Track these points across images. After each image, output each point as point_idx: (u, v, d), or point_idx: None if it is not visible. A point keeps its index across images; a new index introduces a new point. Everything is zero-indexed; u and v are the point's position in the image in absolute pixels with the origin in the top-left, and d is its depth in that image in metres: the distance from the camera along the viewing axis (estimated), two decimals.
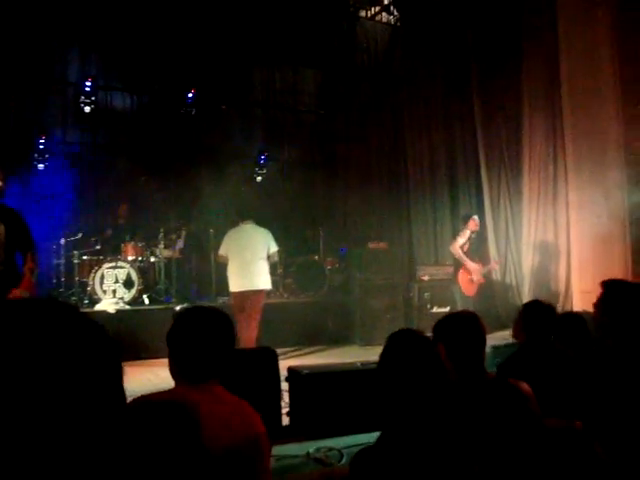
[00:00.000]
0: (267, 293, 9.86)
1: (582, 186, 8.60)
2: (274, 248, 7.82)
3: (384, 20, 11.59)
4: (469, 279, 8.72)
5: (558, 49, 8.89)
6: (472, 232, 8.84)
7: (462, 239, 8.75)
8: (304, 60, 12.22)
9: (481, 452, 2.34)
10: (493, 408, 2.51)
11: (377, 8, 11.51)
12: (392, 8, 11.42)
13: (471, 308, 8.27)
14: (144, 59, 11.14)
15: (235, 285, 7.61)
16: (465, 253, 8.72)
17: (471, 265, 8.69)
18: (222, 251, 7.79)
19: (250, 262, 7.54)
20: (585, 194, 8.52)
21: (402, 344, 2.07)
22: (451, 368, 2.71)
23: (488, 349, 4.54)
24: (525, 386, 2.68)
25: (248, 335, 7.41)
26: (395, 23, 11.46)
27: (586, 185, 8.49)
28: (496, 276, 10.04)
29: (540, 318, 3.54)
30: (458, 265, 8.81)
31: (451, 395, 2.42)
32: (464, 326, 2.76)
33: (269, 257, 7.75)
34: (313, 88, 12.95)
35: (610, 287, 3.40)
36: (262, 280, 7.64)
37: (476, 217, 8.97)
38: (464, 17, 10.20)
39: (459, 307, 8.48)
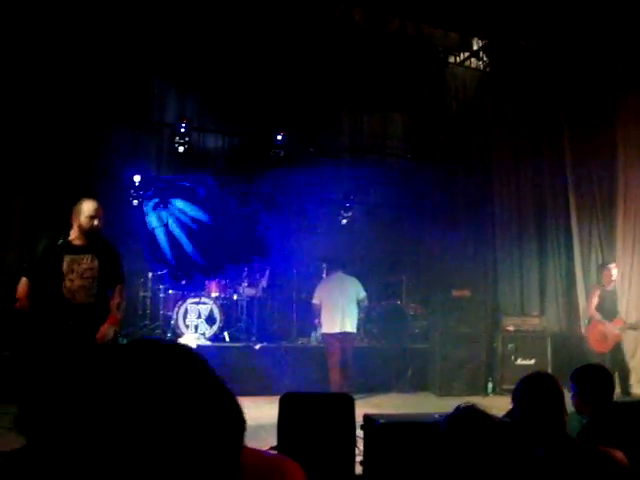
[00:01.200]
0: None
1: None
2: (363, 293, 8.53)
3: (473, 66, 11.52)
4: (602, 336, 8.01)
5: None
6: (606, 285, 8.25)
7: (595, 299, 8.18)
8: (392, 105, 12.29)
9: None
10: (585, 475, 2.36)
11: (466, 54, 11.46)
12: (481, 54, 11.34)
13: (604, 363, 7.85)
14: (237, 101, 11.50)
15: (329, 327, 8.25)
16: (599, 311, 8.11)
17: (609, 325, 8.02)
18: (316, 300, 8.48)
19: (343, 307, 8.26)
20: None
21: (464, 429, 1.99)
22: (531, 432, 2.59)
23: (572, 409, 4.33)
24: (619, 454, 2.52)
25: (334, 379, 8.08)
26: (484, 69, 11.37)
27: None
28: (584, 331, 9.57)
29: (601, 383, 3.38)
30: (589, 319, 8.27)
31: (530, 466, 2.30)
32: (538, 388, 2.66)
33: (359, 302, 8.48)
34: (401, 132, 12.97)
35: None
36: (353, 324, 8.35)
37: (611, 266, 8.34)
38: (555, 64, 10.02)
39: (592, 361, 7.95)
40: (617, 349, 8.05)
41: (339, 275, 8.57)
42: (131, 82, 10.70)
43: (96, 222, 4.76)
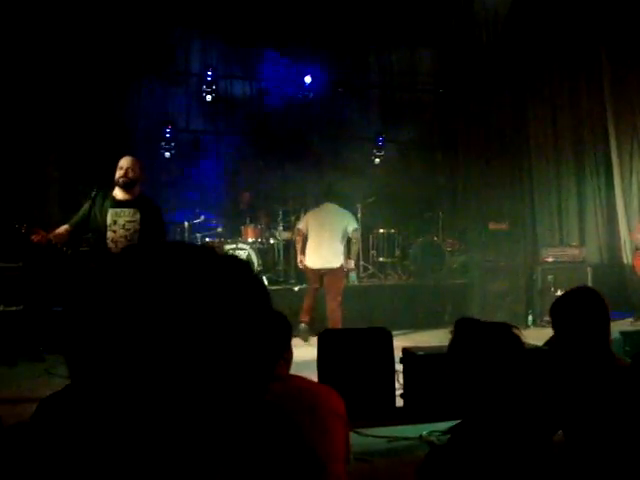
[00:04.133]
0: (385, 274, 9.86)
1: None
2: (353, 226, 7.88)
3: None
4: None
5: None
6: None
7: None
8: (421, 39, 11.99)
9: (612, 438, 2.19)
10: (627, 399, 2.26)
11: None
12: None
13: None
14: (262, 46, 11.37)
15: (311, 261, 7.77)
16: None
17: None
18: (300, 225, 8.04)
19: (327, 241, 7.68)
20: None
21: (469, 332, 1.93)
22: (573, 353, 2.50)
23: (616, 335, 4.29)
24: None
25: (331, 315, 7.59)
26: None
27: None
28: (627, 260, 9.43)
29: None
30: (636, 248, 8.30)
31: (561, 379, 2.28)
32: (581, 303, 2.51)
33: (350, 237, 7.88)
34: (431, 67, 12.69)
35: None
36: (338, 259, 7.73)
37: None
38: None
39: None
40: None
41: (330, 206, 7.92)
42: (154, 33, 10.63)
43: (129, 174, 5.01)
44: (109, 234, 4.91)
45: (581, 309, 2.51)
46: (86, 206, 5.02)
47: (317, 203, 8.50)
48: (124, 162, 5.06)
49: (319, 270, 7.73)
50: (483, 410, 1.77)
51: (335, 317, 7.55)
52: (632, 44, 9.44)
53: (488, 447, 1.69)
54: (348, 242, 8.07)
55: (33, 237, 4.79)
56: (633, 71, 9.57)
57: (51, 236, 4.90)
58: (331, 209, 7.91)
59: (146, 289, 0.70)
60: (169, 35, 11.05)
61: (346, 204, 8.72)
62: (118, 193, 5.04)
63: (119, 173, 5.01)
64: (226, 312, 0.71)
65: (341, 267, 7.82)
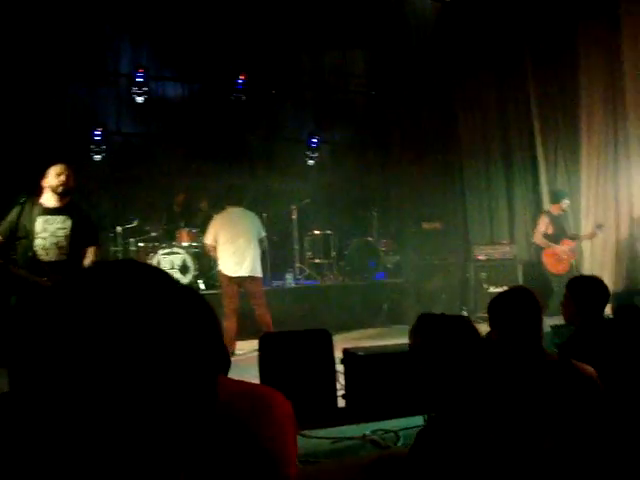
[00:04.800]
0: (322, 276, 9.91)
1: None
2: (263, 233, 7.64)
3: None
4: (556, 258, 8.44)
5: (619, 18, 8.56)
6: (553, 211, 8.68)
7: (542, 227, 8.52)
8: (353, 41, 12.09)
9: (543, 432, 2.27)
10: (555, 390, 2.42)
11: None
12: None
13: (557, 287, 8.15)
14: (193, 47, 11.23)
15: (229, 269, 7.28)
16: (550, 236, 8.47)
17: (559, 248, 8.46)
18: (209, 240, 7.44)
19: (244, 247, 7.27)
20: None
21: (432, 324, 2.00)
22: (508, 348, 2.61)
23: (547, 328, 4.43)
24: (589, 368, 2.56)
25: (263, 319, 7.30)
26: (444, 0, 11.19)
27: None
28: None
29: (593, 295, 3.35)
30: (540, 247, 8.59)
31: (500, 372, 2.35)
32: (516, 302, 2.63)
33: (260, 243, 7.56)
34: (363, 69, 12.82)
35: None
36: (258, 266, 7.41)
37: (565, 201, 8.72)
38: None
39: (551, 286, 8.35)
40: (572, 269, 8.49)
41: (237, 210, 7.47)
42: (82, 33, 10.34)
43: (70, 182, 4.95)
44: (38, 241, 4.84)
45: (516, 308, 2.62)
46: (14, 214, 4.88)
47: (219, 208, 7.93)
48: (62, 169, 4.95)
49: (239, 278, 7.29)
50: (454, 402, 1.81)
51: (268, 320, 7.32)
52: (554, 47, 9.78)
53: (465, 439, 1.72)
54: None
55: None
56: (555, 72, 9.92)
57: None
58: (240, 213, 7.49)
59: (91, 308, 0.70)
60: (98, 35, 10.78)
61: (282, 206, 8.71)
62: (49, 200, 4.93)
63: (58, 180, 4.90)
64: (168, 328, 0.72)
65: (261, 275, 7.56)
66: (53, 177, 4.90)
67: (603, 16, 8.94)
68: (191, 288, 0.81)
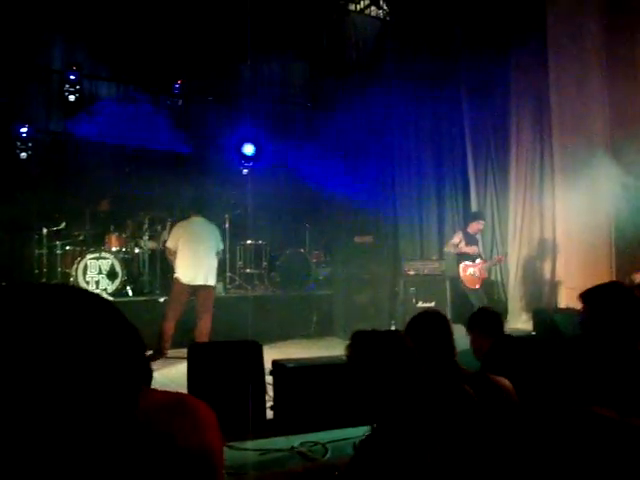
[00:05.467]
0: (252, 285, 9.87)
1: (568, 181, 8.64)
2: (221, 246, 7.96)
3: (373, 14, 11.51)
4: (471, 273, 8.97)
5: (546, 44, 8.91)
6: (470, 231, 9.14)
7: (456, 239, 9.06)
8: (292, 53, 12.15)
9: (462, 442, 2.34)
10: (473, 402, 2.53)
11: (366, 1, 11.43)
12: (381, 2, 11.34)
13: (479, 301, 8.71)
14: (131, 48, 11.04)
15: (185, 276, 7.46)
16: (462, 253, 9.00)
17: (471, 265, 8.96)
18: (171, 244, 7.63)
19: (203, 257, 7.51)
20: (571, 188, 8.55)
21: (365, 340, 2.09)
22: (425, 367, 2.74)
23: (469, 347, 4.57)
24: (505, 381, 2.74)
25: (205, 328, 7.42)
26: (384, 17, 11.39)
27: (572, 180, 8.53)
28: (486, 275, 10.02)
29: (492, 320, 3.83)
30: (458, 261, 9.06)
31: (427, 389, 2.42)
32: (430, 323, 2.88)
33: (217, 254, 7.79)
34: (301, 81, 12.88)
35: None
36: (212, 276, 7.63)
37: (482, 222, 9.34)
38: (453, 12, 10.17)
39: (470, 300, 8.88)
40: (484, 286, 9.14)
41: (201, 219, 7.73)
42: (14, 26, 10.01)
43: None
44: None
45: (428, 330, 2.86)
46: None
47: (183, 216, 8.25)
48: None
49: (194, 286, 7.48)
50: (390, 415, 1.87)
51: (208, 332, 7.42)
52: (487, 70, 10.08)
53: (402, 450, 1.77)
54: None
55: None
56: (487, 95, 10.23)
57: None
58: (202, 223, 7.70)
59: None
60: (31, 30, 10.45)
61: (213, 215, 8.64)
62: None
63: None
64: (84, 343, 0.76)
65: (214, 284, 7.76)
66: None
67: (532, 42, 9.29)
68: (109, 304, 0.85)
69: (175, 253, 7.53)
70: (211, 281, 7.58)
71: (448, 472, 1.87)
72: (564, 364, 3.38)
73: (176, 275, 7.55)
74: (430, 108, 10.86)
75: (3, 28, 9.78)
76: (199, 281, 7.45)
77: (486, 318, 3.85)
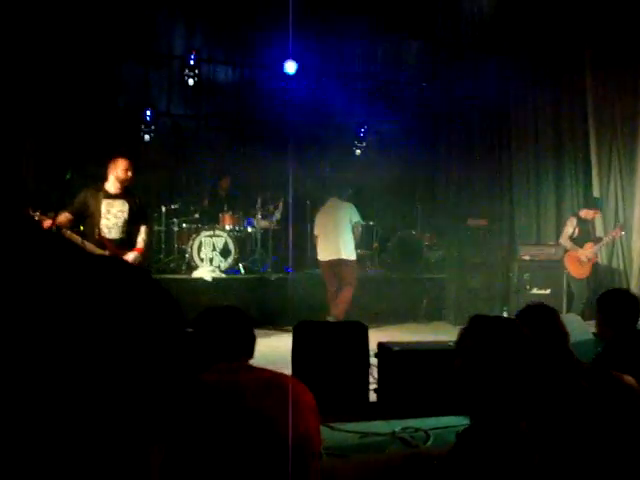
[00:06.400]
0: (361, 266, 9.86)
1: None
2: (356, 218, 8.40)
3: None
4: (578, 261, 8.57)
5: None
6: (584, 218, 8.77)
7: (570, 229, 8.72)
8: (406, 31, 11.93)
9: (578, 441, 2.21)
10: (591, 399, 2.36)
11: None
12: None
13: (585, 290, 8.49)
14: (246, 31, 11.23)
15: (321, 255, 8.34)
16: (575, 239, 8.62)
17: (581, 251, 8.56)
18: (316, 231, 8.56)
19: (334, 235, 8.21)
20: None
21: (485, 326, 1.96)
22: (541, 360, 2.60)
23: (591, 337, 4.31)
24: (630, 379, 2.52)
25: (344, 298, 8.11)
26: None
27: None
28: (602, 260, 9.49)
29: (624, 309, 3.31)
30: (563, 250, 8.75)
31: (546, 383, 2.29)
32: (543, 320, 2.67)
33: (353, 228, 8.33)
34: (415, 59, 12.64)
35: None
36: (346, 251, 8.19)
37: (597, 213, 9.01)
38: None
39: (571, 289, 8.72)
40: (595, 272, 8.75)
41: (333, 202, 8.46)
42: (136, 14, 10.43)
43: (130, 175, 5.98)
44: (103, 221, 5.81)
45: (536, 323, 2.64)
46: (82, 196, 5.86)
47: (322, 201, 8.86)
48: (129, 165, 5.96)
49: (331, 261, 8.18)
50: (499, 407, 1.79)
51: (347, 303, 8.12)
52: (614, 48, 9.46)
53: (506, 445, 1.71)
54: None
55: (44, 224, 5.51)
56: (614, 73, 9.61)
57: (57, 223, 5.63)
58: (334, 204, 8.42)
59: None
60: (152, 17, 10.87)
61: (326, 195, 8.75)
62: (111, 187, 5.90)
63: (126, 175, 5.90)
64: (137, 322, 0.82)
65: (352, 259, 8.30)
66: (122, 171, 5.89)
67: None
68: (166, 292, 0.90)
69: (317, 237, 8.47)
70: (346, 255, 8.17)
71: (558, 475, 1.76)
72: None
73: (318, 258, 8.44)
74: (550, 85, 10.35)
75: (127, 18, 10.21)
76: (333, 256, 8.17)
77: (615, 304, 3.37)
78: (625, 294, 3.49)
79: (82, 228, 6.01)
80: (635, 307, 3.35)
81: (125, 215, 5.89)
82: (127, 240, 5.93)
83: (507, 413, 1.79)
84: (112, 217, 5.84)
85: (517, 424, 1.78)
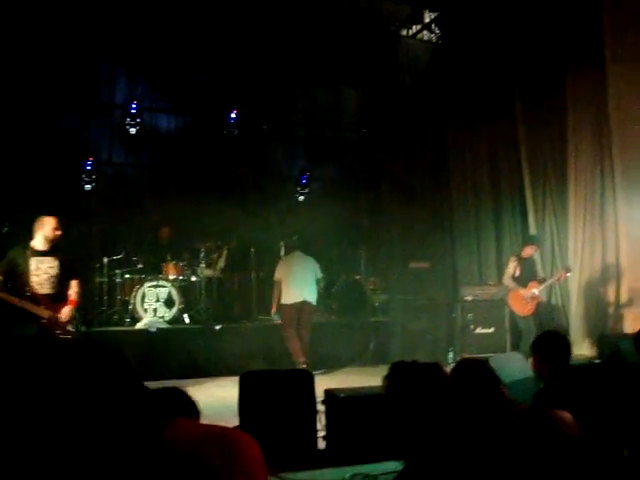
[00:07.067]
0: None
1: (632, 202, 8.35)
2: (320, 274, 8.91)
3: (425, 38, 11.52)
4: (522, 300, 8.58)
5: (605, 64, 8.68)
6: (525, 257, 8.81)
7: (511, 269, 8.74)
8: (345, 80, 12.23)
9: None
10: (524, 438, 2.41)
11: (418, 26, 11.44)
12: (433, 26, 11.34)
13: (533, 327, 8.43)
14: (188, 81, 11.32)
15: (286, 298, 8.54)
16: (517, 278, 8.63)
17: (523, 291, 8.57)
18: (277, 276, 8.77)
19: (301, 281, 8.63)
20: (635, 210, 8.26)
21: (404, 371, 2.01)
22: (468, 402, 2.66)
23: (532, 375, 4.41)
24: (566, 415, 2.57)
25: (304, 345, 8.41)
26: (437, 41, 11.37)
27: (636, 200, 8.24)
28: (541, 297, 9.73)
29: (556, 347, 3.56)
30: (507, 289, 8.79)
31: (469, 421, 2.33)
32: (475, 372, 2.80)
33: (317, 282, 8.82)
34: (355, 107, 12.93)
35: None
36: (311, 296, 8.64)
37: (534, 247, 9.01)
38: (507, 37, 10.04)
39: (519, 327, 8.74)
40: (538, 311, 8.72)
41: (299, 254, 8.87)
42: (78, 66, 10.43)
43: (59, 234, 5.93)
44: (34, 278, 5.80)
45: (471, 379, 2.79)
46: (10, 256, 5.88)
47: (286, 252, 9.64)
48: (58, 224, 5.91)
49: (293, 305, 8.51)
50: (426, 450, 1.80)
51: (307, 342, 8.52)
52: (543, 90, 9.89)
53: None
54: None
55: None
56: (544, 115, 10.02)
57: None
58: (299, 255, 8.91)
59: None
60: (94, 66, 10.87)
61: (270, 241, 8.84)
62: (39, 244, 5.89)
63: (54, 234, 5.87)
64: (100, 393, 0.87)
65: (315, 304, 8.76)
66: (50, 230, 5.86)
67: (589, 59, 9.06)
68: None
69: (280, 284, 8.65)
70: (310, 298, 8.63)
71: None
72: (631, 394, 3.24)
73: (282, 302, 8.60)
74: (486, 130, 10.71)
75: (68, 69, 10.18)
76: (299, 298, 8.53)
77: (548, 343, 3.60)
78: (555, 335, 3.76)
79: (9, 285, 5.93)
80: (565, 345, 3.60)
81: (56, 270, 5.92)
82: (59, 294, 5.95)
83: (433, 454, 1.81)
84: (42, 273, 5.86)
85: (446, 465, 1.80)
